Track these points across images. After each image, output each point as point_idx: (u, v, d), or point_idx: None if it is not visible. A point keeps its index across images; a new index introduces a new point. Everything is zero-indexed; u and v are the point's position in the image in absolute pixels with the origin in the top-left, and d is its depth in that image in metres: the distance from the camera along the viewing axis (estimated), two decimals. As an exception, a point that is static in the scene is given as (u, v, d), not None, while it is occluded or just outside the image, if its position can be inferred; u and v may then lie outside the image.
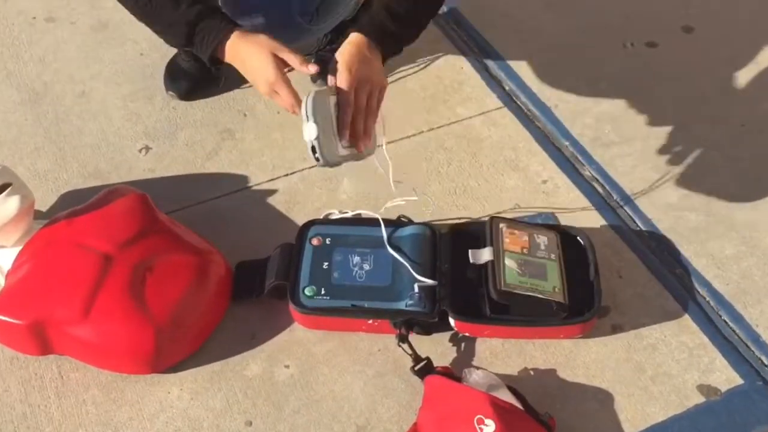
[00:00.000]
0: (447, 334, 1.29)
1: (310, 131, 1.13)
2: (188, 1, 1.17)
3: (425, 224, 1.38)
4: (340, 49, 1.19)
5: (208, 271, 1.30)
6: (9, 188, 1.28)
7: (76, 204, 1.37)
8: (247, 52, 1.18)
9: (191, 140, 1.58)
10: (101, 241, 1.27)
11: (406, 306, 1.25)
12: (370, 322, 1.26)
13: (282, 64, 1.17)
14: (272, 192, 1.50)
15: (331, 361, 1.26)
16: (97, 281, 1.22)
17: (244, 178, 1.52)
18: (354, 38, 1.19)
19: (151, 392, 1.22)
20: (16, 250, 1.30)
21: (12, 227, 1.29)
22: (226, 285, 1.33)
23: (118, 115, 1.63)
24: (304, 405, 1.21)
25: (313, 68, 1.16)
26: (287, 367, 1.25)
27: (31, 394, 1.21)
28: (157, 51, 1.72)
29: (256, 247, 1.37)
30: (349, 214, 1.40)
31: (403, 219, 1.40)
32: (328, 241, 1.34)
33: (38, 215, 1.39)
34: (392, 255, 1.31)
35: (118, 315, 1.20)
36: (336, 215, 1.41)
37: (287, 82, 1.17)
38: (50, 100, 1.64)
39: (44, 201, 1.46)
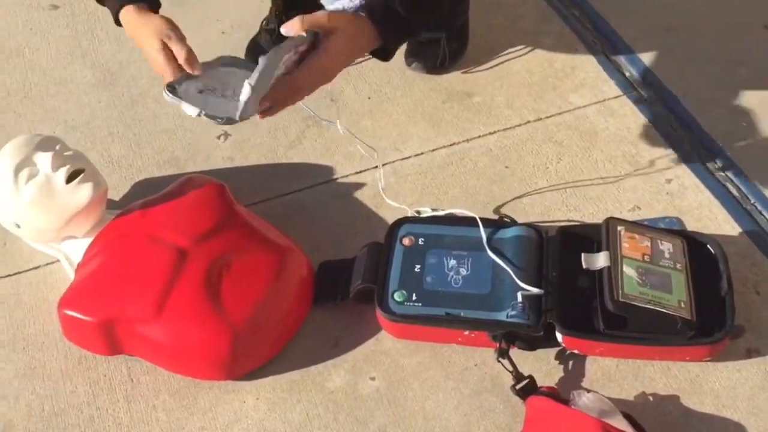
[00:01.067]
0: (553, 351, 1.26)
1: (244, 94, 1.10)
2: None
3: (530, 225, 1.36)
4: (338, 23, 1.15)
5: (289, 270, 1.31)
6: (81, 175, 1.31)
7: (151, 193, 1.40)
8: (138, 33, 1.20)
9: (273, 127, 1.59)
10: (176, 235, 1.29)
11: (507, 317, 1.23)
12: (467, 333, 1.24)
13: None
14: (360, 185, 1.50)
15: (421, 375, 1.25)
16: (171, 278, 1.24)
17: (329, 170, 1.52)
18: (358, 21, 1.16)
19: (225, 400, 1.23)
20: (87, 241, 1.33)
21: (83, 217, 1.33)
22: (307, 287, 1.34)
23: (196, 99, 1.65)
24: (391, 423, 1.20)
25: (196, 70, 1.15)
26: (373, 379, 1.25)
27: (99, 397, 1.24)
28: (239, 30, 1.74)
29: (340, 246, 1.37)
30: (444, 212, 1.39)
31: (505, 219, 1.37)
32: (421, 242, 1.33)
33: (110, 204, 1.42)
34: (493, 259, 1.29)
35: (193, 316, 1.22)
36: (429, 213, 1.41)
37: (175, 71, 1.15)
38: (125, 81, 1.68)
39: (117, 189, 1.50)
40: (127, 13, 1.22)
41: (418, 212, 1.41)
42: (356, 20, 1.17)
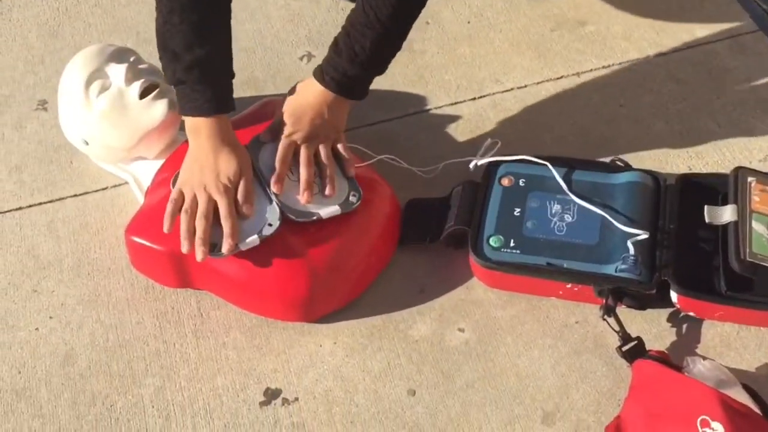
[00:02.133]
0: (665, 312, 1.24)
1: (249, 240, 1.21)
2: (187, 62, 1.21)
3: (647, 171, 1.32)
4: (293, 98, 1.31)
5: (376, 207, 1.30)
6: (156, 91, 1.32)
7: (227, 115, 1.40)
8: (220, 150, 1.23)
9: None
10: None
11: (616, 271, 1.21)
12: (569, 286, 1.23)
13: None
14: (455, 118, 1.48)
15: (516, 329, 1.24)
16: (248, 207, 1.25)
17: (421, 99, 1.51)
18: (313, 91, 1.29)
19: (300, 343, 1.24)
20: (158, 163, 1.34)
21: (156, 136, 1.34)
22: (394, 226, 1.33)
23: (278, 15, 1.65)
24: (480, 378, 1.20)
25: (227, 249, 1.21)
26: (462, 330, 1.25)
27: (166, 330, 1.26)
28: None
29: (431, 184, 1.37)
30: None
31: (618, 162, 1.34)
32: (521, 183, 1.31)
33: (183, 126, 1.42)
34: (603, 206, 1.27)
35: (270, 251, 1.22)
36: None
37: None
38: (202, -7, 1.68)
39: (190, 110, 1.50)
40: (218, 124, 1.24)
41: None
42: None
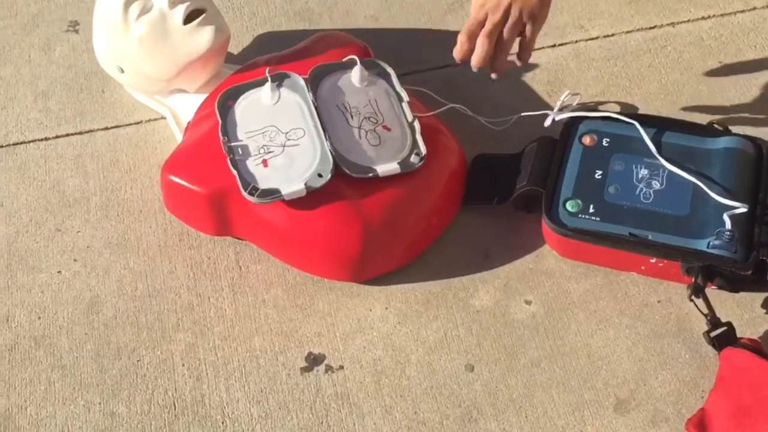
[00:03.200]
0: (761, 296, 1.22)
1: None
2: None
3: (747, 137, 1.29)
4: None
5: (439, 160, 1.29)
6: (202, 16, 1.31)
7: (276, 48, 1.39)
8: None
9: None
10: (308, 100, 1.28)
11: (708, 247, 1.19)
12: (653, 261, 1.21)
13: None
14: (531, 66, 1.46)
15: (590, 305, 1.23)
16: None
17: (494, 44, 1.49)
18: None
19: (348, 305, 1.24)
20: (200, 97, 1.34)
21: (199, 67, 1.33)
22: (458, 183, 1.32)
23: (337, -60, 1.63)
24: (546, 357, 1.19)
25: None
26: (528, 303, 1.23)
27: (200, 282, 1.26)
28: None
29: (502, 138, 1.35)
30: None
31: (715, 125, 1.31)
32: (605, 142, 1.29)
33: (228, 58, 1.42)
34: (696, 173, 1.24)
35: (320, 200, 1.21)
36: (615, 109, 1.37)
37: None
38: None
39: (236, 41, 1.50)
40: None
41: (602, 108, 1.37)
42: None
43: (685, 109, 1.39)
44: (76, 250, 1.29)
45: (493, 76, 1.25)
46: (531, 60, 1.46)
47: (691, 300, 1.17)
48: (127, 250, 1.28)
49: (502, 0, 1.22)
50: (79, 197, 1.33)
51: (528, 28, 1.24)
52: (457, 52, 1.25)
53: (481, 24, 1.23)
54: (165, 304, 1.24)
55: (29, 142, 1.39)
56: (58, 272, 1.27)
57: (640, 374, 1.17)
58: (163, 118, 1.39)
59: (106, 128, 1.40)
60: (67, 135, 1.40)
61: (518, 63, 1.27)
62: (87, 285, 1.26)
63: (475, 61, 1.24)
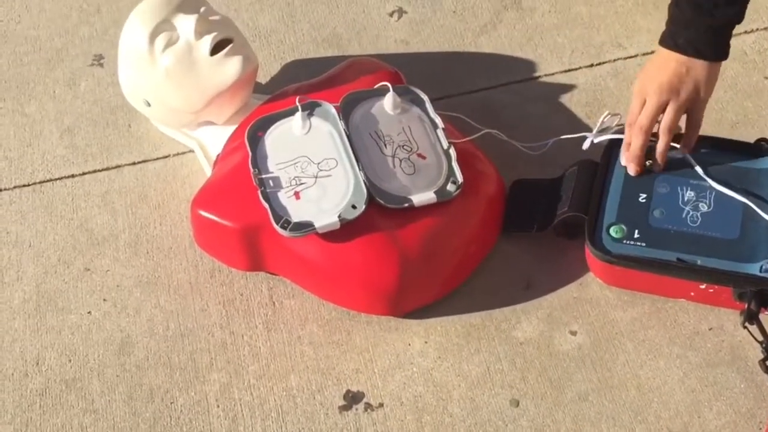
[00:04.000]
0: (818, 321, 1.19)
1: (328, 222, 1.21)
2: None
3: (797, 154, 1.28)
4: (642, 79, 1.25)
5: (477, 188, 1.28)
6: (229, 46, 1.31)
7: (305, 77, 1.39)
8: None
9: (461, 5, 1.56)
10: (339, 129, 1.28)
11: (761, 271, 1.18)
12: (703, 287, 1.20)
13: None
14: (569, 87, 1.45)
15: (637, 334, 1.21)
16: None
17: (529, 65, 1.49)
18: (659, 54, 1.23)
19: (386, 340, 1.22)
20: (229, 129, 1.33)
21: (228, 98, 1.32)
22: (497, 210, 1.31)
23: (365, -36, 1.63)
24: (595, 390, 1.17)
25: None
26: (574, 333, 1.22)
27: (234, 320, 1.25)
28: None
29: (541, 163, 1.34)
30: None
31: (763, 143, 1.30)
32: (648, 164, 1.27)
33: (256, 88, 1.42)
34: (745, 194, 1.23)
35: (355, 232, 1.20)
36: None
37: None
38: (279, -63, 1.67)
39: (264, 70, 1.50)
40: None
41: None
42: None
43: (730, 127, 1.38)
44: (105, 290, 1.28)
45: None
46: (567, 81, 1.46)
47: (745, 327, 1.16)
48: (158, 289, 1.28)
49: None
50: (108, 235, 1.33)
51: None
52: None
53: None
54: (198, 343, 1.23)
55: (56, 179, 1.39)
56: (88, 313, 1.26)
57: (693, 406, 1.15)
58: (191, 151, 1.39)
59: (134, 163, 1.40)
60: (94, 171, 1.40)
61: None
62: (117, 325, 1.25)
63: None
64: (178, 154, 1.41)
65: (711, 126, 1.36)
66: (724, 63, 1.43)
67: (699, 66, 1.20)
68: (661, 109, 1.21)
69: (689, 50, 1.19)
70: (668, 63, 1.20)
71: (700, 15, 1.18)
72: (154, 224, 1.34)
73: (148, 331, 1.25)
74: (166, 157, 1.41)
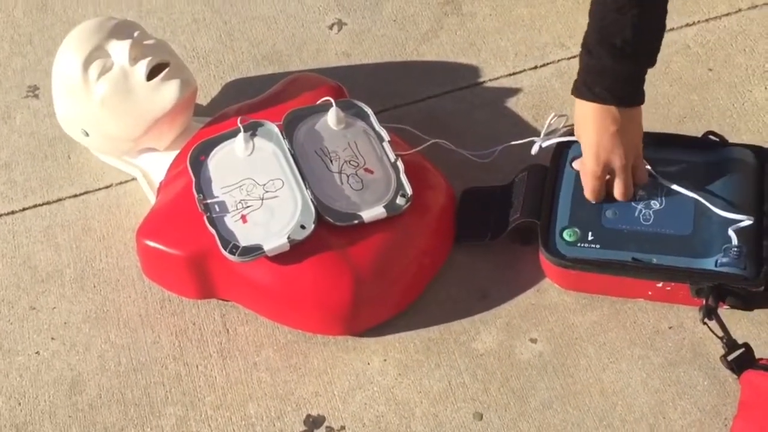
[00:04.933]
0: (776, 312, 1.21)
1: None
2: None
3: (746, 146, 1.30)
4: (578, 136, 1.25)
5: (427, 200, 1.28)
6: (166, 70, 1.30)
7: (247, 96, 1.39)
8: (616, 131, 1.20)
9: (401, 14, 1.56)
10: (284, 149, 1.27)
11: (716, 265, 1.19)
12: (660, 285, 1.21)
13: None
14: (514, 91, 1.46)
15: (598, 338, 1.22)
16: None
17: (473, 71, 1.49)
18: (579, 105, 1.22)
19: (344, 361, 1.22)
20: (171, 155, 1.33)
21: (167, 123, 1.32)
22: (448, 221, 1.31)
23: (301, -23, 1.63)
24: (558, 397, 1.18)
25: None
26: (534, 341, 1.22)
27: (187, 350, 1.24)
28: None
29: (490, 170, 1.34)
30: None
31: (711, 137, 1.31)
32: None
33: (197, 110, 1.41)
34: (696, 189, 1.24)
35: (306, 252, 1.20)
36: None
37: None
38: (211, -46, 1.67)
39: (204, 91, 1.49)
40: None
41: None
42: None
43: (677, 122, 1.39)
44: (53, 328, 1.27)
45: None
46: (512, 84, 1.47)
47: (704, 323, 1.17)
48: (107, 323, 1.27)
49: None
50: (52, 271, 1.32)
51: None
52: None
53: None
54: (151, 377, 1.22)
55: (-5, 217, 1.38)
56: (36, 353, 1.25)
57: (658, 407, 1.16)
58: (134, 179, 1.38)
59: (75, 195, 1.39)
60: (35, 206, 1.38)
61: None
62: (67, 364, 1.24)
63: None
64: (120, 183, 1.40)
65: (658, 121, 1.38)
66: (668, 56, 1.46)
67: (621, 113, 1.19)
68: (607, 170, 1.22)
69: (608, 99, 1.18)
70: (588, 116, 1.20)
71: (619, 62, 1.17)
72: (99, 257, 1.33)
73: (99, 367, 1.23)
74: (108, 186, 1.40)
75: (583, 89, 1.20)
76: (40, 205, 1.38)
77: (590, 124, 1.20)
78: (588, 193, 1.24)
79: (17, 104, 1.50)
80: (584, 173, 1.24)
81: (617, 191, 1.23)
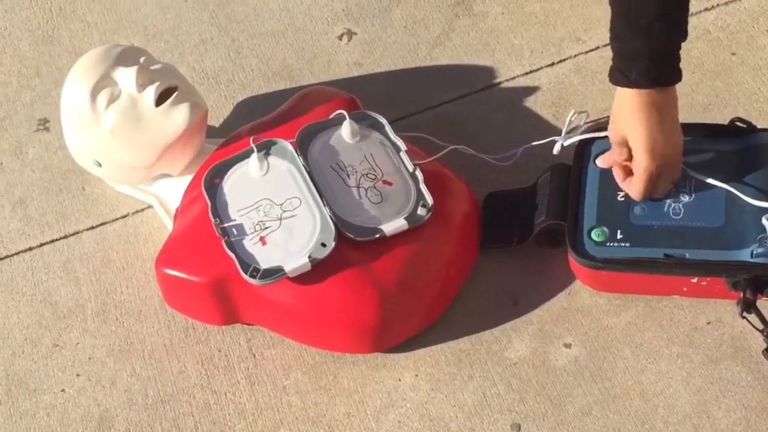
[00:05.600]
0: (819, 302, 1.19)
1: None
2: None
3: (776, 131, 1.28)
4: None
5: (450, 208, 1.27)
6: (174, 94, 1.30)
7: (259, 114, 1.38)
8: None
9: (411, 19, 1.55)
10: (300, 166, 1.27)
11: (752, 256, 1.17)
12: (695, 281, 1.19)
13: None
14: (531, 90, 1.45)
15: (634, 338, 1.21)
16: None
17: (489, 72, 1.48)
18: (619, 97, 1.19)
19: (375, 379, 1.21)
20: (186, 179, 1.32)
21: (179, 148, 1.31)
22: (473, 228, 1.30)
23: (307, -11, 1.63)
24: (598, 403, 1.16)
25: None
26: (568, 346, 1.21)
27: (214, 378, 1.24)
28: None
29: (512, 172, 1.33)
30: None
31: (738, 123, 1.29)
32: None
33: (210, 132, 1.41)
34: (726, 179, 1.22)
35: (328, 271, 1.19)
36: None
37: None
38: (215, -28, 1.66)
39: (216, 112, 1.49)
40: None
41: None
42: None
43: (701, 109, 1.37)
44: (77, 364, 1.27)
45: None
46: (530, 83, 1.45)
47: (743, 317, 1.16)
48: (132, 356, 1.26)
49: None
50: (73, 306, 1.31)
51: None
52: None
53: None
54: (180, 407, 1.22)
55: (13, 255, 1.38)
56: (62, 391, 1.25)
57: (701, 406, 1.15)
58: (150, 207, 1.38)
59: (92, 227, 1.39)
60: (52, 241, 1.38)
61: None
62: (94, 400, 1.23)
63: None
64: (137, 212, 1.39)
65: (682, 111, 1.33)
66: (689, 42, 1.43)
67: (663, 97, 1.17)
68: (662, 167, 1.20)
69: (645, 82, 1.15)
70: (630, 107, 1.17)
71: (651, 41, 1.14)
72: (120, 288, 1.32)
73: (126, 402, 1.23)
74: (125, 216, 1.39)
75: (618, 75, 1.17)
76: (57, 239, 1.38)
77: (635, 115, 1.17)
78: (636, 193, 1.21)
79: (29, 138, 1.50)
80: (638, 172, 1.19)
81: (664, 187, 1.21)
